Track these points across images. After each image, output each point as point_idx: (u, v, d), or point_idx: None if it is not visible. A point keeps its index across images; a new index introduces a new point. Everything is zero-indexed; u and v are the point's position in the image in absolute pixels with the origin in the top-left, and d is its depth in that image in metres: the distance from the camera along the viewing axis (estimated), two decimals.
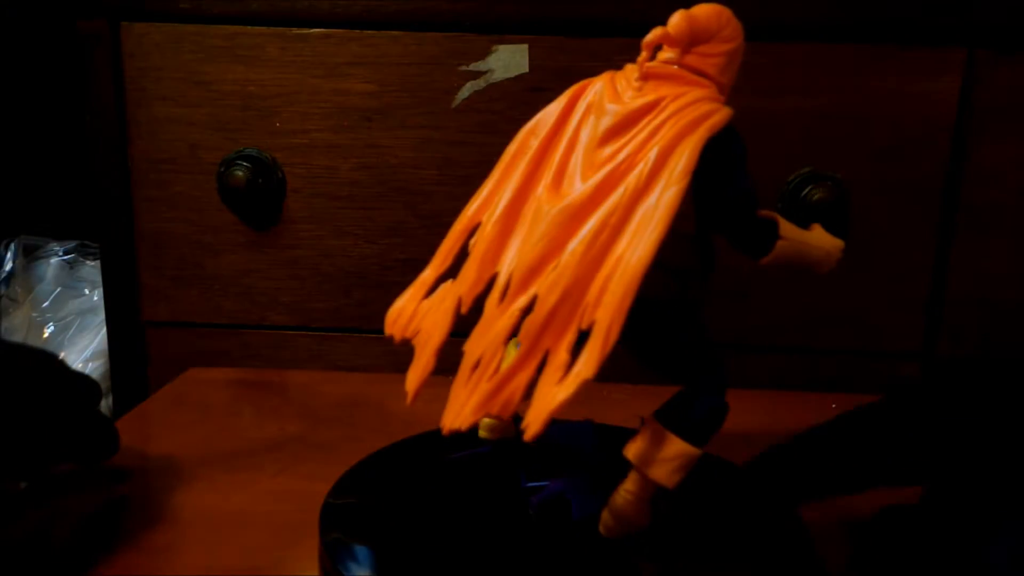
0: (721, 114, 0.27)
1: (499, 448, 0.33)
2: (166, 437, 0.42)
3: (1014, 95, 0.53)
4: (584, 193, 0.26)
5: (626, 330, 0.24)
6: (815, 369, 0.58)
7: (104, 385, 0.73)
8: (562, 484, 0.32)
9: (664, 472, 0.27)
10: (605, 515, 0.28)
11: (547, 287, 0.25)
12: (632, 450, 0.28)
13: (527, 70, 0.53)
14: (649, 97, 0.27)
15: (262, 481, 0.37)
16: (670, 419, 0.28)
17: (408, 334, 0.28)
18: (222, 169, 0.56)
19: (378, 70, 0.54)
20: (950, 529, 0.24)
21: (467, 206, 0.29)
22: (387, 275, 0.57)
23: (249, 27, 0.54)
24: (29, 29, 1.07)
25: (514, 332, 0.25)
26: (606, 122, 0.27)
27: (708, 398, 0.28)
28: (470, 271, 0.28)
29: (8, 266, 1.00)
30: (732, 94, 0.56)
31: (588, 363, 0.23)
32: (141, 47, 0.55)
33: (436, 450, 0.37)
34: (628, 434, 0.34)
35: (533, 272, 0.25)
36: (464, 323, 0.27)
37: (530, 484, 0.33)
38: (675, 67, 0.27)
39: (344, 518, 0.31)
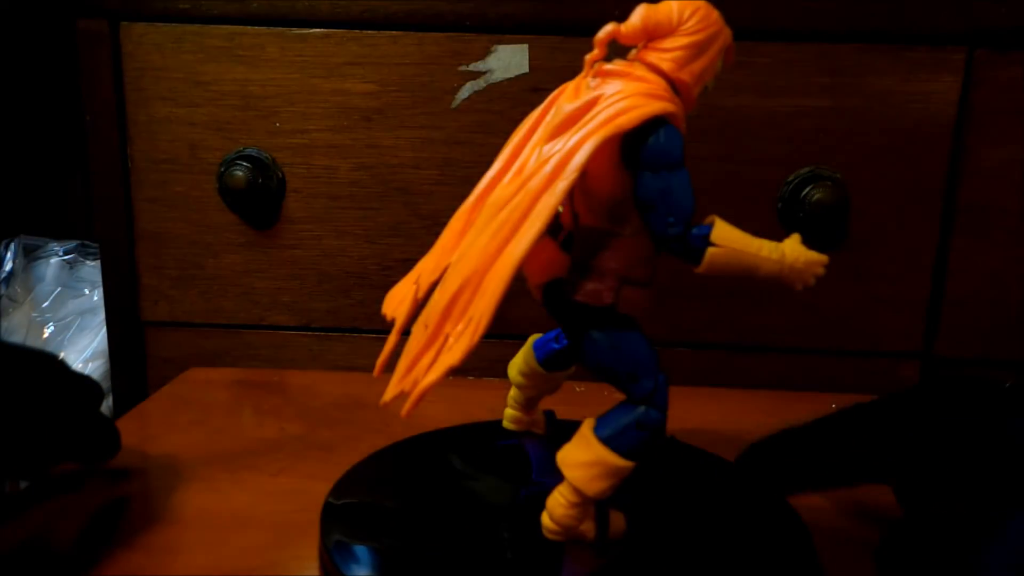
0: (635, 112, 0.26)
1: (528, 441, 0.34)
2: (166, 437, 0.42)
3: (1014, 95, 0.53)
4: (508, 188, 0.26)
5: (571, 333, 0.26)
6: (815, 369, 0.58)
7: (104, 385, 0.73)
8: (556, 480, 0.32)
9: (582, 478, 0.27)
10: (544, 516, 0.28)
11: (450, 276, 0.26)
12: (561, 452, 0.28)
13: (527, 70, 0.53)
14: (588, 96, 0.26)
15: (262, 481, 0.37)
16: (601, 425, 0.28)
17: (390, 314, 0.29)
18: (222, 169, 0.56)
19: (378, 70, 0.54)
20: (943, 532, 0.24)
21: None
22: (387, 275, 0.57)
23: (249, 27, 0.54)
24: (29, 28, 1.07)
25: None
26: (553, 121, 0.27)
27: (638, 410, 0.27)
28: (431, 258, 0.29)
29: (8, 266, 1.00)
30: (732, 94, 0.56)
31: (455, 352, 0.25)
32: (141, 47, 0.55)
33: (444, 448, 0.37)
34: None
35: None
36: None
37: (539, 479, 0.33)
38: (629, 63, 0.27)
39: (344, 518, 0.31)
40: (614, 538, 0.29)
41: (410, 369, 0.26)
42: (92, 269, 0.99)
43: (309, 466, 0.39)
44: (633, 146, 0.26)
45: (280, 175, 0.56)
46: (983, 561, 0.21)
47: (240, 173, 0.54)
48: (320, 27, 0.54)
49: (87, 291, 0.97)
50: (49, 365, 0.31)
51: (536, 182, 0.25)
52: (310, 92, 0.55)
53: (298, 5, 0.53)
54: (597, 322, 0.27)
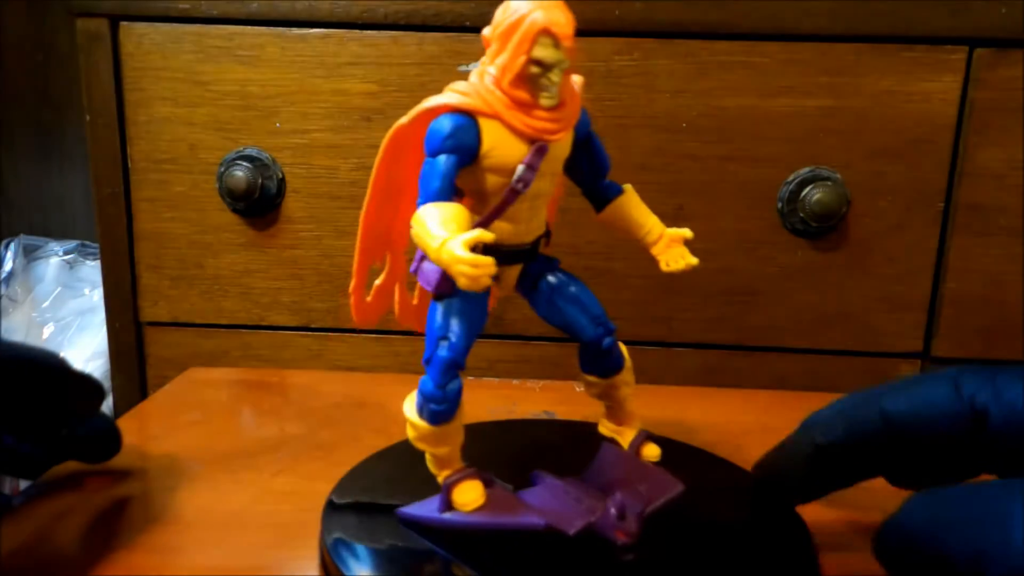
0: (415, 108, 0.28)
1: None
2: (166, 437, 0.42)
3: (1014, 95, 0.53)
4: None
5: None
6: (815, 369, 0.58)
7: (104, 385, 0.73)
8: (547, 487, 0.32)
9: (408, 433, 0.30)
10: None
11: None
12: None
13: None
14: None
15: (262, 481, 0.37)
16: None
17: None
18: (222, 169, 0.56)
19: (378, 70, 0.55)
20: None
21: None
22: None
23: (249, 27, 0.54)
24: (31, 26, 1.07)
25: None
26: None
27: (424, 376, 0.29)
28: None
29: (8, 266, 1.00)
30: (732, 94, 0.56)
31: None
32: (141, 47, 0.55)
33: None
34: (589, 427, 0.36)
35: None
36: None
37: (538, 479, 0.33)
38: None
39: (344, 518, 0.31)
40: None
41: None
42: (92, 269, 0.99)
43: (309, 466, 0.39)
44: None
45: (280, 175, 0.56)
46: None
47: (240, 173, 0.54)
48: (320, 27, 0.54)
49: (87, 291, 0.97)
50: (52, 365, 0.31)
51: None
52: (310, 92, 0.55)
53: (298, 5, 0.53)
54: None
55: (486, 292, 0.30)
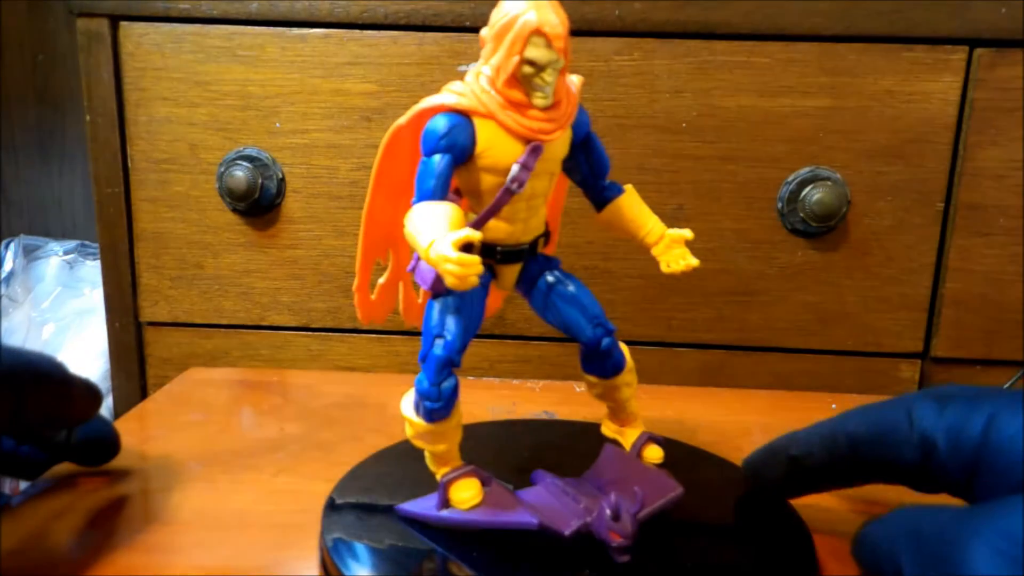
0: (411, 109, 0.29)
1: None
2: (166, 437, 0.42)
3: (1014, 95, 0.53)
4: None
5: None
6: (815, 369, 0.58)
7: (104, 385, 0.73)
8: (546, 487, 0.32)
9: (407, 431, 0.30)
10: None
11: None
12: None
13: None
14: None
15: (262, 481, 0.37)
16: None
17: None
18: (222, 169, 0.56)
19: (378, 70, 0.55)
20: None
21: None
22: None
23: (249, 27, 0.54)
24: (31, 26, 1.07)
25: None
26: None
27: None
28: None
29: (8, 266, 1.00)
30: (732, 94, 0.56)
31: None
32: (141, 47, 0.55)
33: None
34: (589, 427, 0.35)
35: None
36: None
37: (537, 478, 0.33)
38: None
39: (344, 518, 0.31)
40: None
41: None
42: (92, 269, 0.99)
43: (309, 466, 0.39)
44: None
45: (280, 175, 0.56)
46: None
47: (240, 173, 0.54)
48: (320, 27, 0.54)
49: (87, 291, 0.97)
50: (49, 369, 0.31)
51: None
52: (310, 92, 0.55)
53: (298, 5, 0.54)
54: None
55: (484, 291, 0.30)
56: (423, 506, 0.31)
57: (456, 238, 0.25)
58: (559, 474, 0.32)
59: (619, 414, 0.34)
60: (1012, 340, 0.56)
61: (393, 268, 0.34)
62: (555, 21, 0.26)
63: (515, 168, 0.28)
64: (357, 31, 0.54)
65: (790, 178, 0.55)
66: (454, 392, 0.29)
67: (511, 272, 0.31)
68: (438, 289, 0.29)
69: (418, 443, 0.30)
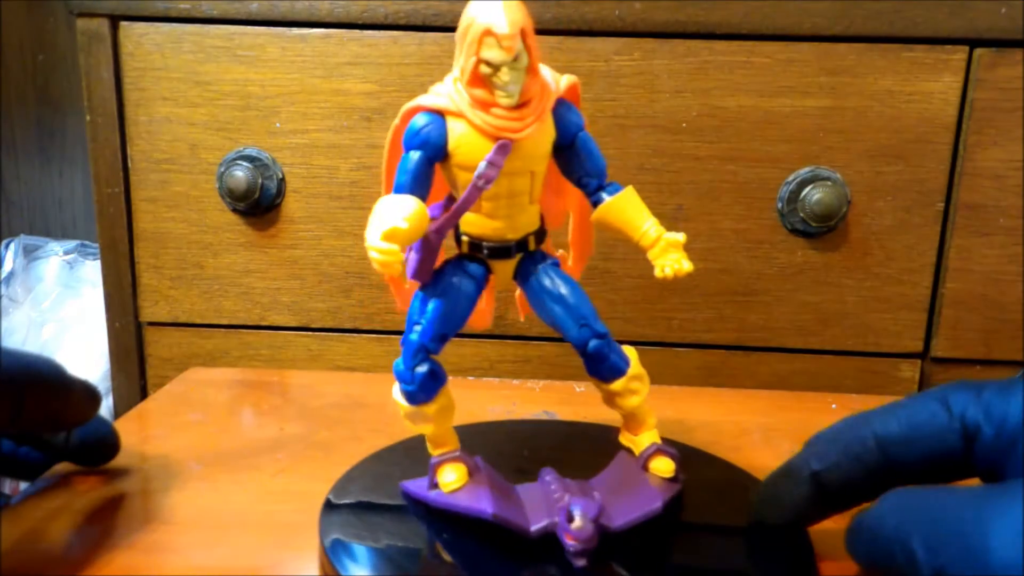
0: (401, 110, 0.30)
1: None
2: (166, 437, 0.42)
3: (1014, 95, 0.53)
4: None
5: None
6: (815, 369, 0.58)
7: (104, 385, 0.73)
8: (542, 484, 0.32)
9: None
10: None
11: None
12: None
13: None
14: None
15: (262, 481, 0.37)
16: None
17: None
18: (222, 169, 0.56)
19: (378, 70, 0.55)
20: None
21: None
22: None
23: (249, 27, 0.54)
24: (31, 26, 1.07)
25: None
26: None
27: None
28: None
29: (8, 266, 1.00)
30: (732, 94, 0.56)
31: None
32: (141, 47, 0.55)
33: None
34: (589, 428, 0.36)
35: None
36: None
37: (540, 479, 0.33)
38: None
39: (344, 518, 0.31)
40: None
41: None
42: (92, 269, 0.99)
43: (309, 466, 0.39)
44: None
45: (280, 175, 0.56)
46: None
47: (240, 173, 0.54)
48: (320, 27, 0.54)
49: (87, 291, 0.97)
50: (48, 370, 0.31)
51: None
52: (310, 92, 0.55)
53: (298, 5, 0.54)
54: None
55: (474, 287, 0.30)
56: (419, 485, 0.32)
57: (384, 228, 0.26)
58: (561, 475, 0.32)
59: (627, 422, 0.33)
60: (1012, 340, 0.56)
61: None
62: (503, 23, 0.27)
63: (481, 165, 0.28)
64: (357, 31, 0.54)
65: (790, 178, 0.55)
66: (428, 378, 0.30)
67: (505, 268, 0.31)
68: (420, 279, 0.30)
69: (406, 423, 0.32)
